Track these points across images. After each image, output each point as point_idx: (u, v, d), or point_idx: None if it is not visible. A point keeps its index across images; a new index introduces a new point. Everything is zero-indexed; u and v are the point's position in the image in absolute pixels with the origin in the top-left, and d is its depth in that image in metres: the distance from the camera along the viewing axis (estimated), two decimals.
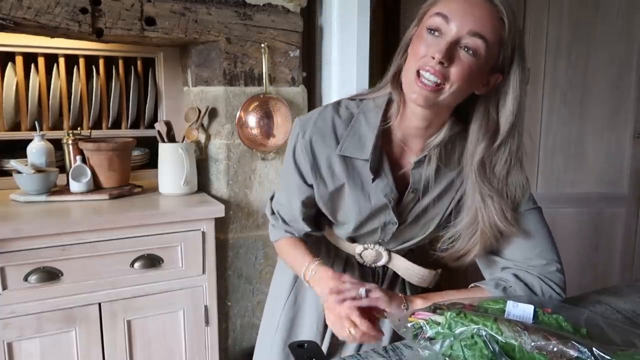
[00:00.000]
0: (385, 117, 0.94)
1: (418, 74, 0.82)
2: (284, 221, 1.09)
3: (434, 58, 0.79)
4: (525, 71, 0.86)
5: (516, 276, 0.93)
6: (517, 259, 0.94)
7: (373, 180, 0.94)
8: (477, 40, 0.79)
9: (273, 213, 1.12)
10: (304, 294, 1.15)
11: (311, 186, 0.99)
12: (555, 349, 0.69)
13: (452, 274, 1.10)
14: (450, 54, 0.79)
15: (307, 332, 1.13)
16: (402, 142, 0.96)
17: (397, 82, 0.91)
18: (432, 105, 0.84)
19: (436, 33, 0.81)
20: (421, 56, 0.81)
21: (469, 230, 0.93)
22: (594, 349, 0.68)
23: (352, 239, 1.08)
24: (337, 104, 0.99)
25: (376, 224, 1.00)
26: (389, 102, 0.95)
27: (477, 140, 0.89)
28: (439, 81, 0.80)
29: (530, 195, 0.94)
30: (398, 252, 1.08)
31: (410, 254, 1.12)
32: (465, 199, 0.94)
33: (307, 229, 1.07)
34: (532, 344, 0.70)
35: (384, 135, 0.95)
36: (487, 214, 0.89)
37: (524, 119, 0.88)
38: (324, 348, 1.11)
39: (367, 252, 1.07)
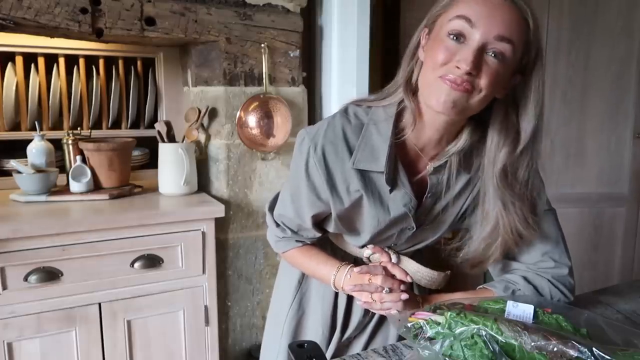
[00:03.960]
0: (397, 127, 0.89)
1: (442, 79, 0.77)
2: (292, 231, 1.05)
3: (458, 67, 0.75)
4: (544, 72, 0.81)
5: (525, 279, 0.92)
6: (528, 261, 0.93)
7: (390, 191, 0.91)
8: (505, 45, 0.74)
9: (278, 225, 1.06)
10: (308, 298, 1.13)
11: (324, 201, 0.94)
12: (555, 349, 0.69)
13: (452, 275, 1.09)
14: (478, 63, 0.74)
15: (312, 337, 1.11)
16: (417, 148, 0.91)
17: (409, 89, 0.86)
18: (458, 112, 0.79)
19: (460, 39, 0.75)
20: (442, 63, 0.76)
21: (490, 238, 0.90)
22: (594, 349, 0.68)
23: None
24: (345, 112, 0.93)
25: (392, 232, 0.97)
26: (401, 112, 0.90)
27: (497, 146, 0.84)
28: (468, 87, 0.76)
29: (545, 196, 0.93)
30: (407, 253, 1.06)
31: (419, 256, 1.09)
32: (485, 207, 0.90)
33: (318, 234, 1.04)
34: (532, 344, 0.70)
35: (397, 143, 0.90)
36: (509, 220, 0.86)
37: (544, 121, 0.84)
38: (331, 351, 1.10)
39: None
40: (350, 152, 0.89)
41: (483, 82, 0.76)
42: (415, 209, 0.92)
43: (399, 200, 0.91)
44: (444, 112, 0.79)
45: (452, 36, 0.76)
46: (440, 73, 0.77)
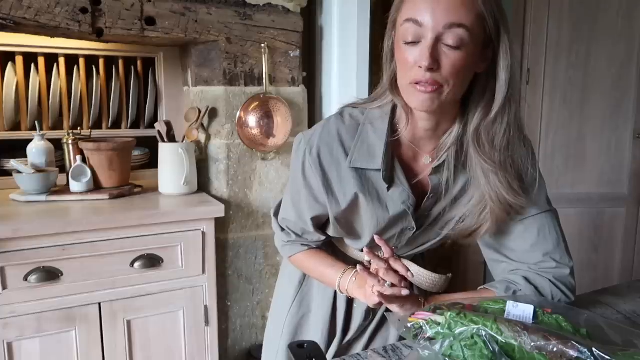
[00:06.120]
0: (392, 125, 0.91)
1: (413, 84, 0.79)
2: (297, 235, 1.05)
3: (420, 67, 0.77)
4: (511, 37, 0.82)
5: (526, 279, 0.92)
6: (529, 262, 0.93)
7: (388, 189, 0.91)
8: (457, 31, 0.75)
9: (283, 230, 1.07)
10: (310, 299, 1.13)
11: (322, 204, 0.95)
12: (555, 349, 0.69)
13: (453, 275, 1.09)
14: (435, 56, 0.76)
15: (312, 338, 1.10)
16: (413, 144, 0.93)
17: (395, 87, 0.88)
18: (437, 107, 0.81)
19: (414, 40, 0.77)
20: (409, 67, 0.79)
21: (478, 207, 0.90)
22: (594, 349, 0.68)
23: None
24: (340, 114, 0.95)
25: (393, 232, 0.97)
26: (395, 109, 0.92)
27: (473, 112, 0.86)
28: (436, 87, 0.78)
29: (546, 196, 0.93)
30: (408, 257, 1.05)
31: (420, 259, 1.09)
32: (473, 176, 0.91)
33: (322, 237, 1.04)
34: (532, 344, 0.69)
35: (394, 142, 0.91)
36: (493, 189, 0.87)
37: (519, 86, 0.85)
38: (332, 353, 1.09)
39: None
40: (346, 152, 0.91)
41: (447, 73, 0.77)
42: (413, 207, 0.92)
43: (397, 198, 0.91)
44: (426, 111, 0.83)
45: (406, 41, 0.78)
46: (409, 79, 0.79)
